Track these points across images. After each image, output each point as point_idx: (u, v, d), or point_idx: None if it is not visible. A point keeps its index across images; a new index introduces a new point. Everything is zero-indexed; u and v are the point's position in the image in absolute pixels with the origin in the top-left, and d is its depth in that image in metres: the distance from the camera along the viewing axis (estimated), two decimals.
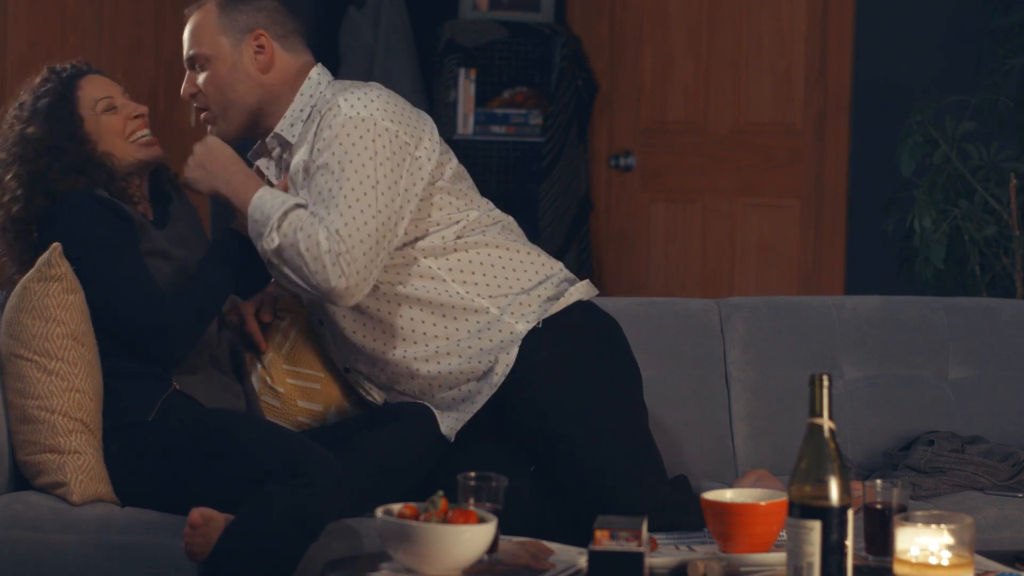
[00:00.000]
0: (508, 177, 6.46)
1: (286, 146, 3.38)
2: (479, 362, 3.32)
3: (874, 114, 6.00)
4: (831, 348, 3.82)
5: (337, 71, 6.80)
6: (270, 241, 3.20)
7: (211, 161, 3.31)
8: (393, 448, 3.30)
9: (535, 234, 6.17)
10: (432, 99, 6.41)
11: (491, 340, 3.32)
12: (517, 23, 6.30)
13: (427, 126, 3.34)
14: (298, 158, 3.32)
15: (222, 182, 3.30)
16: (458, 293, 3.32)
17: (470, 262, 3.34)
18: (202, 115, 3.42)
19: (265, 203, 3.23)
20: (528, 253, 3.40)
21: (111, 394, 3.26)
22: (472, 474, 2.75)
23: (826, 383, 2.49)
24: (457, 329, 3.33)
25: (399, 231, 3.26)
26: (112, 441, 3.24)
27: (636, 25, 6.29)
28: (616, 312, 3.70)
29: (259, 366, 3.50)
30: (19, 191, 3.29)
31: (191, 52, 3.41)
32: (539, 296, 3.35)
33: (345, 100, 3.25)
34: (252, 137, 3.45)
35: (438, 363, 3.33)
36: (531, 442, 3.31)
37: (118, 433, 3.24)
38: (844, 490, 2.47)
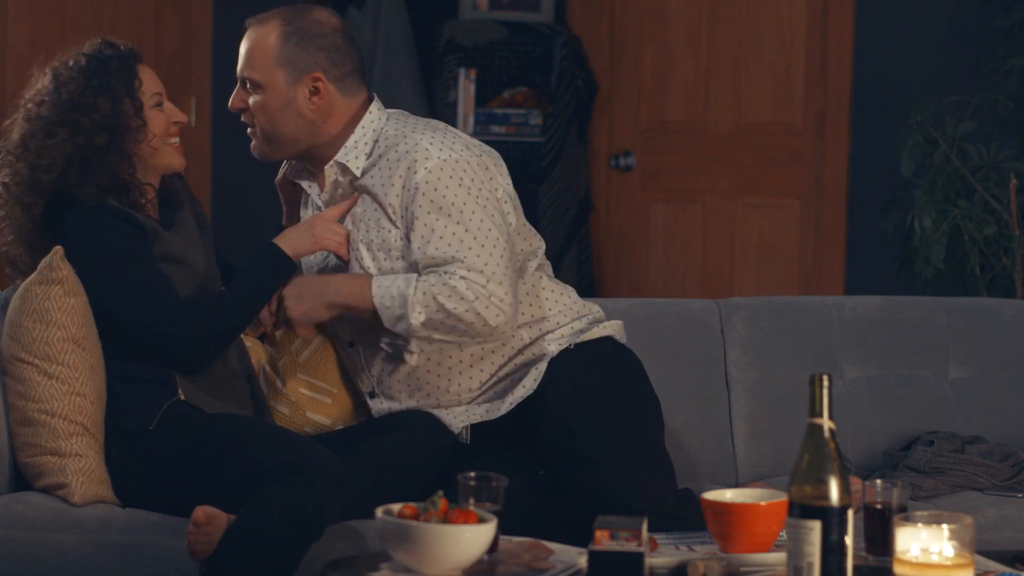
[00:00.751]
0: None
1: (346, 172, 3.34)
2: (509, 379, 3.37)
3: (874, 114, 6.00)
4: (831, 348, 3.82)
5: None
6: (417, 317, 3.22)
7: (306, 286, 3.29)
8: (396, 452, 3.29)
9: None
10: (432, 99, 6.40)
11: (525, 362, 3.36)
12: (517, 23, 6.30)
13: (496, 156, 3.38)
14: (388, 199, 3.28)
15: (332, 294, 3.28)
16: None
17: (526, 294, 3.38)
18: (248, 130, 3.38)
19: (387, 289, 3.24)
20: (570, 296, 3.46)
21: (114, 398, 3.25)
22: (472, 474, 2.75)
23: (826, 383, 2.49)
24: (500, 354, 3.36)
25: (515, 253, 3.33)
26: (113, 445, 3.23)
27: (636, 25, 6.29)
28: (616, 312, 3.70)
29: (269, 367, 3.49)
30: (61, 161, 3.20)
31: (244, 73, 3.32)
32: (572, 328, 3.40)
33: (431, 144, 3.26)
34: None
35: (483, 396, 3.37)
36: (545, 451, 3.31)
37: (119, 438, 3.23)
38: (844, 490, 2.47)
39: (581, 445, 3.25)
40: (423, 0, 6.46)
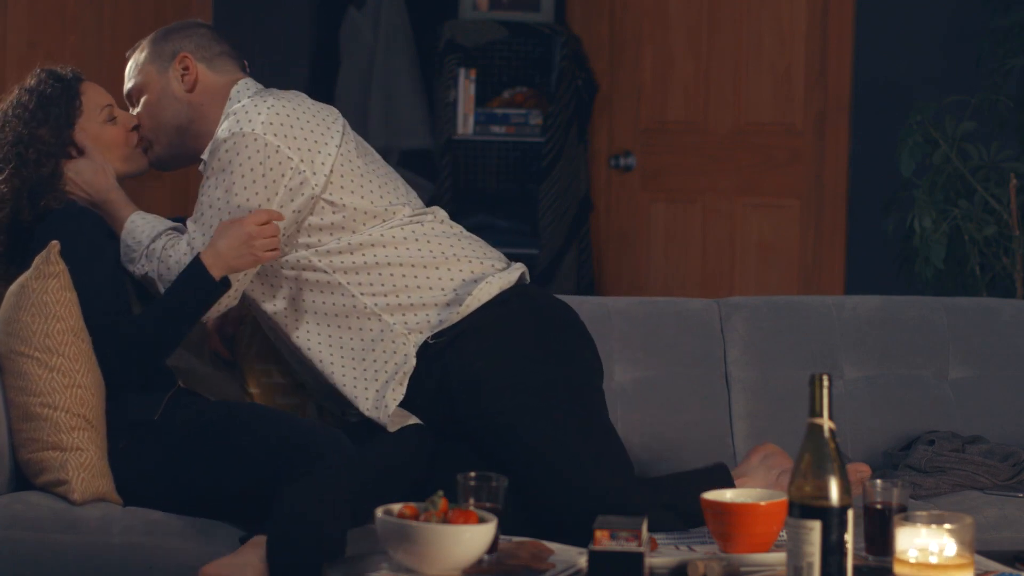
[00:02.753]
0: (508, 177, 6.46)
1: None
2: (385, 372, 3.28)
3: (874, 114, 6.00)
4: (831, 348, 3.82)
5: (337, 71, 6.80)
6: (140, 268, 3.29)
7: (89, 181, 3.35)
8: (386, 452, 3.28)
9: (535, 234, 6.18)
10: (432, 99, 6.41)
11: (384, 351, 3.28)
12: (517, 23, 6.30)
13: (325, 137, 3.27)
14: None
15: (101, 202, 3.36)
16: (366, 306, 3.27)
17: (379, 274, 3.29)
18: (142, 143, 3.45)
19: (137, 228, 3.31)
20: (445, 262, 3.32)
21: (114, 395, 3.26)
22: (472, 474, 2.75)
23: (826, 383, 2.49)
24: (358, 339, 3.29)
25: None
26: (118, 440, 3.24)
27: (636, 25, 6.29)
28: (616, 312, 3.70)
29: (239, 373, 3.51)
30: (10, 196, 3.30)
31: (127, 89, 3.46)
32: (445, 301, 3.29)
33: (234, 113, 3.27)
34: (190, 164, 3.45)
35: (373, 389, 3.29)
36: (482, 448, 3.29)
37: (124, 432, 3.24)
38: (844, 490, 2.47)
39: (507, 453, 3.22)
40: (423, 0, 6.47)
